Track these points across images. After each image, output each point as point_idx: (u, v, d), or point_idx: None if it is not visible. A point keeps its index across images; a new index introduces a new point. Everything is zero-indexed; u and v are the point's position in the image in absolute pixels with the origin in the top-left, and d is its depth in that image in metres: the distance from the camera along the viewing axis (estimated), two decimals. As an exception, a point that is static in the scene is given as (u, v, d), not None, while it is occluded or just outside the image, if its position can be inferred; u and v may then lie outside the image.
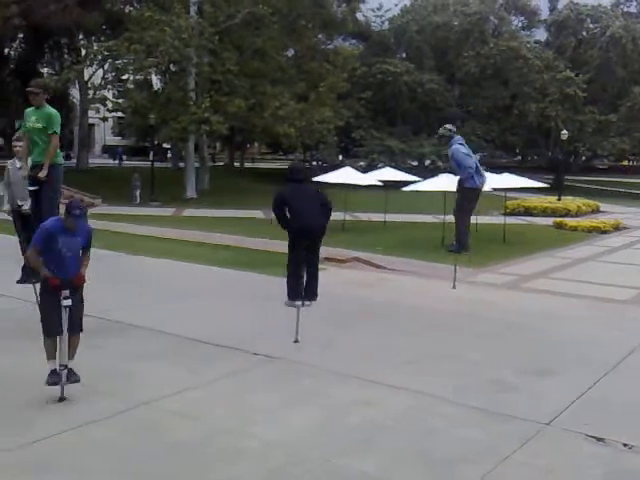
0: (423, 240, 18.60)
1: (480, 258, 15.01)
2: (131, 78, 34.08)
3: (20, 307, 7.95)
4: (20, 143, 7.95)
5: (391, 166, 29.68)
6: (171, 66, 33.36)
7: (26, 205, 7.81)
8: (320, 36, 41.67)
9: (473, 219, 21.50)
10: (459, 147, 8.61)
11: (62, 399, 5.45)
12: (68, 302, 5.31)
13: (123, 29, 31.06)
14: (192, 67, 31.30)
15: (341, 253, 14.29)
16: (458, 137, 8.65)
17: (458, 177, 8.97)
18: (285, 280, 7.44)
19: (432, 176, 22.30)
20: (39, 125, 7.18)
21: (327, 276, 11.58)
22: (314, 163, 49.91)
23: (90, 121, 42.02)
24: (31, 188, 7.34)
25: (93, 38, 37.77)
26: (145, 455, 4.67)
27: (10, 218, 8.43)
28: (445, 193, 20.46)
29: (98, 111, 36.61)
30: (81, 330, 5.53)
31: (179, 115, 29.89)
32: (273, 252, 12.94)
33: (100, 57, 33.06)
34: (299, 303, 6.95)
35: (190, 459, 4.63)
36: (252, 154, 60.67)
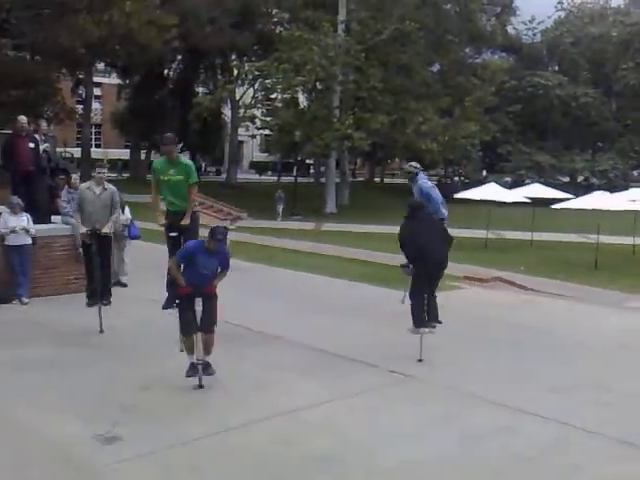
0: (572, 261, 17.67)
1: (637, 282, 14.00)
2: (279, 97, 35.29)
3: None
4: (104, 170, 8.35)
5: (540, 182, 28.54)
6: (317, 84, 34.18)
7: (107, 228, 8.03)
8: (467, 50, 41.01)
9: (630, 240, 20.46)
10: (427, 181, 8.62)
11: (201, 386, 6.09)
12: (199, 307, 6.19)
13: (273, 49, 32.26)
14: (337, 85, 31.89)
15: (482, 272, 13.88)
16: (422, 174, 8.66)
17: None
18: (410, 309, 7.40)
19: (585, 193, 21.20)
20: (180, 177, 7.48)
21: (467, 295, 11.31)
22: (455, 179, 48.96)
23: (239, 138, 43.88)
24: (172, 234, 7.55)
25: (245, 58, 39.56)
26: (279, 465, 4.73)
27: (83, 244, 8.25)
28: (600, 211, 19.36)
29: (247, 128, 38.20)
30: (212, 330, 6.22)
31: (323, 132, 30.52)
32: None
33: (251, 77, 34.63)
34: (426, 330, 7.23)
35: (323, 472, 4.63)
36: (392, 169, 60.52)
